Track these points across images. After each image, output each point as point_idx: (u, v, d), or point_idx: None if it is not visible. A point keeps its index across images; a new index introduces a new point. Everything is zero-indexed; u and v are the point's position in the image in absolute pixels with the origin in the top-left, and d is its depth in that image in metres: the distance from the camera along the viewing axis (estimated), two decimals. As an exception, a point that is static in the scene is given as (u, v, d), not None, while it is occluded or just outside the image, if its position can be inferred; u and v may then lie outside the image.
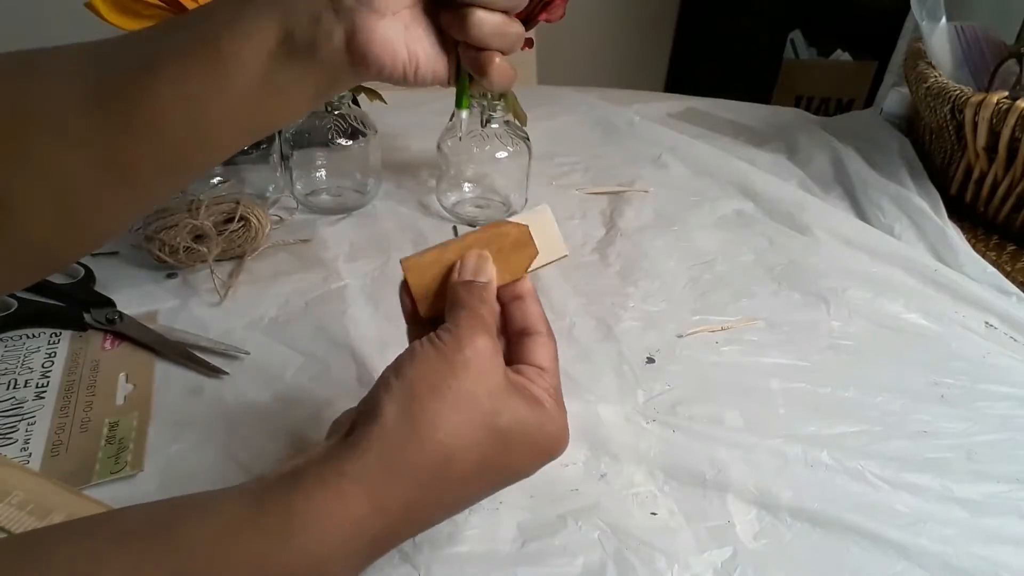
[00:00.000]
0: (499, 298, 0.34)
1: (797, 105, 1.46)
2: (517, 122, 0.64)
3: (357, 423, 0.28)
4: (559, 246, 0.34)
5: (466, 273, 0.33)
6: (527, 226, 0.34)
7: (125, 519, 0.27)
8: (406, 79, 0.31)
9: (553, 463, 0.41)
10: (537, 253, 0.34)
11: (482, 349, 0.29)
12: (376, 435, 0.27)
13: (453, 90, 0.36)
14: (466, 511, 0.38)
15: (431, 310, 0.34)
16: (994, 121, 0.62)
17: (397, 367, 0.29)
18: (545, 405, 0.31)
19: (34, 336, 0.48)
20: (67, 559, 0.24)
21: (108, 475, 0.38)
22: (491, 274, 0.33)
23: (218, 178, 0.65)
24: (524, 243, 0.34)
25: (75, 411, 0.43)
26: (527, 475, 0.32)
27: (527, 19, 0.59)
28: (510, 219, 0.34)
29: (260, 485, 0.27)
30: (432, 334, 0.30)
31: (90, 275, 0.52)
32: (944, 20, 0.72)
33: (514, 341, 0.34)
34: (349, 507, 0.26)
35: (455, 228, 0.62)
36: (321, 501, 0.26)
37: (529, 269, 0.34)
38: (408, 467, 0.27)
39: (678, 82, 2.03)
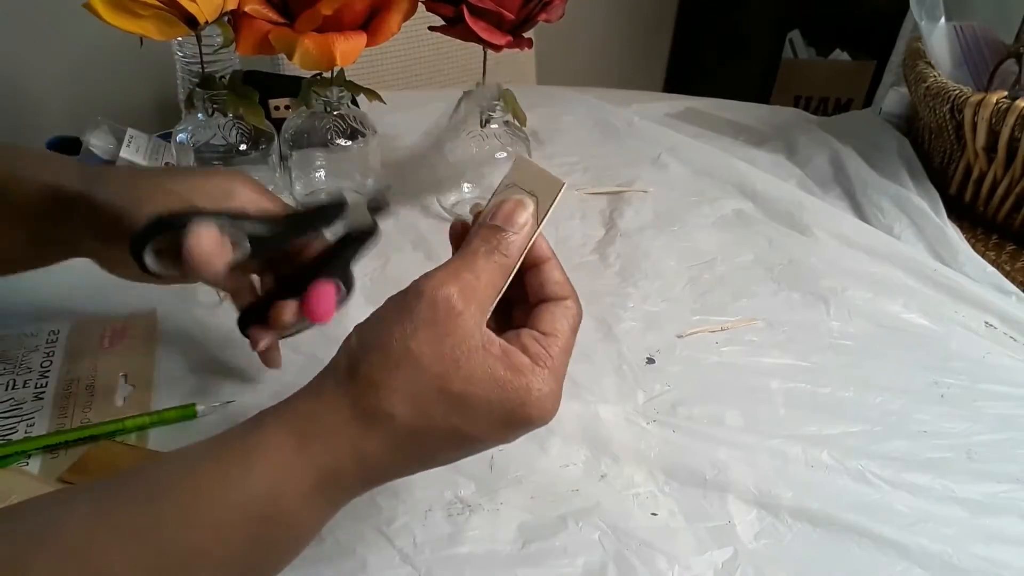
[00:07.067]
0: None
1: (796, 105, 1.46)
2: (516, 122, 0.64)
3: None
4: (555, 185, 0.31)
5: (496, 217, 0.30)
6: (524, 194, 0.31)
7: (106, 481, 0.28)
8: None
9: (553, 463, 0.41)
10: (537, 203, 0.31)
11: (442, 299, 0.28)
12: (325, 374, 0.29)
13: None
14: (467, 512, 0.38)
15: None
16: (993, 121, 0.62)
17: None
18: (526, 367, 0.28)
19: (33, 335, 0.48)
20: (36, 505, 0.26)
21: (107, 476, 0.38)
22: (521, 223, 0.29)
23: (217, 178, 0.64)
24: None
25: (74, 412, 0.42)
26: (494, 436, 0.29)
27: (527, 19, 0.59)
28: (499, 188, 0.32)
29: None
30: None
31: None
32: (943, 20, 0.72)
33: (531, 311, 0.31)
34: (301, 437, 0.27)
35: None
36: (273, 433, 0.27)
37: (541, 221, 0.31)
38: (345, 399, 0.28)
39: (677, 82, 2.03)
